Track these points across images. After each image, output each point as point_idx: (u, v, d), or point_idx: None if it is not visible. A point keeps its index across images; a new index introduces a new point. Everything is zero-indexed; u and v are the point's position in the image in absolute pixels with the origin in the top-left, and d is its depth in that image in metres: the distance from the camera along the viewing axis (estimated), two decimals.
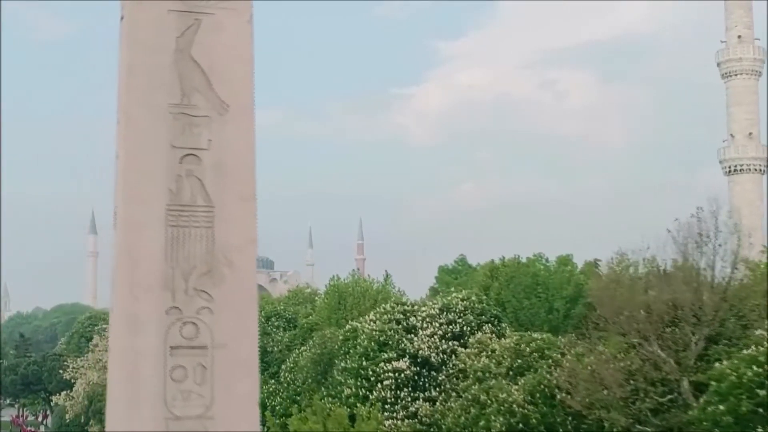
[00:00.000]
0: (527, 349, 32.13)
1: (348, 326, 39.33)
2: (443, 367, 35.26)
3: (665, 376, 25.67)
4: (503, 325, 38.04)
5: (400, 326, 36.69)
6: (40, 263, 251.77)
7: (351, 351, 36.93)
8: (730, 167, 75.39)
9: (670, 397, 25.63)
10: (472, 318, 36.66)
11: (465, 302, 37.23)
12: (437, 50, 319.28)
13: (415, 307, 38.08)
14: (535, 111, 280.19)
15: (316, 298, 78.06)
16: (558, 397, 29.59)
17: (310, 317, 54.38)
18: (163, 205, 6.83)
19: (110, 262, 7.26)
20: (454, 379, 34.48)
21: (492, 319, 37.68)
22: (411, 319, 36.96)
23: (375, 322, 36.92)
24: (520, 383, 30.43)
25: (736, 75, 75.13)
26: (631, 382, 26.16)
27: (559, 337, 34.36)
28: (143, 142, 6.94)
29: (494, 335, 35.19)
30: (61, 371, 61.65)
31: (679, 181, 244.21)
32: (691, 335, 26.06)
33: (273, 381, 48.79)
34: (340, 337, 38.90)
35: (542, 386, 30.06)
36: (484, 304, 38.34)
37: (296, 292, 76.97)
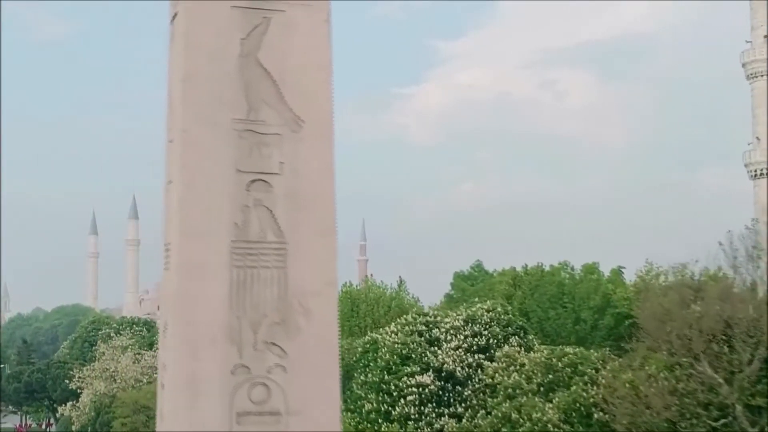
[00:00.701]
0: (559, 364, 30.98)
1: (367, 337, 38.22)
2: (469, 382, 34.09)
3: (722, 400, 24.39)
4: (530, 337, 36.87)
5: (423, 338, 35.57)
6: (40, 264, 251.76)
7: (371, 364, 35.78)
8: (756, 171, 74.02)
9: (724, 421, 24.40)
10: (498, 330, 35.49)
11: (490, 313, 36.10)
12: (437, 50, 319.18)
13: (438, 318, 36.94)
14: (535, 111, 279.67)
15: None
16: (595, 416, 28.45)
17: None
18: (227, 241, 5.76)
19: (163, 311, 6.18)
20: (481, 394, 33.33)
21: (518, 330, 36.54)
22: (434, 331, 35.83)
23: (397, 334, 35.78)
24: (554, 401, 29.28)
25: (761, 76, 73.65)
26: (676, 402, 24.92)
27: (592, 351, 33.21)
28: (203, 165, 5.85)
29: (522, 348, 34.06)
30: (67, 381, 60.63)
31: (679, 181, 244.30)
32: (744, 355, 24.83)
33: None
34: (359, 349, 37.78)
35: (578, 404, 28.91)
36: (510, 316, 37.20)
37: None
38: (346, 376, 38.57)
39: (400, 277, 63.93)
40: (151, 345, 77.40)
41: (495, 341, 35.13)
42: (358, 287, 62.70)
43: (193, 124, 5.89)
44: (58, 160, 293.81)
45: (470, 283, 58.89)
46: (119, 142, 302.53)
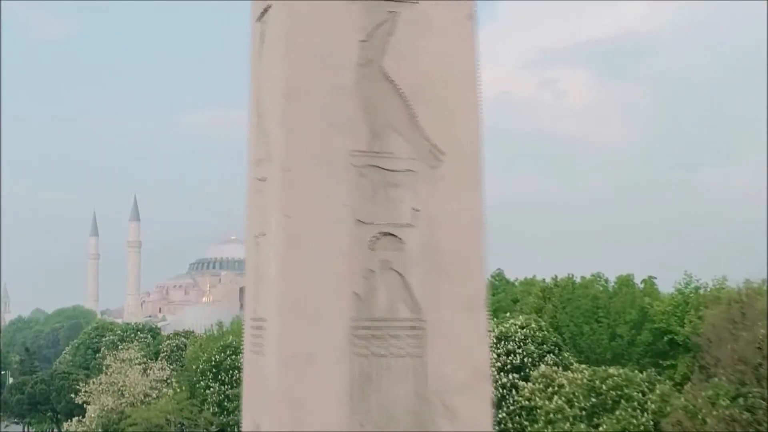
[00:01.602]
0: (603, 387, 29.35)
1: None
2: (503, 404, 32.49)
3: None
4: (565, 354, 35.25)
5: None
6: (40, 265, 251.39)
7: None
8: None
9: None
10: (533, 348, 33.89)
11: (524, 330, 34.48)
12: None
13: None
14: (536, 110, 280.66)
15: None
16: None
17: None
18: (344, 320, 4.30)
19: (252, 410, 4.65)
20: (517, 417, 31.77)
21: (553, 348, 34.93)
22: None
23: None
24: (600, 428, 27.68)
25: None
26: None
27: (637, 371, 31.56)
28: (311, 215, 4.35)
29: (559, 368, 32.43)
30: (72, 395, 59.25)
31: (679, 180, 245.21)
32: None
33: None
34: None
35: None
36: (545, 332, 35.56)
37: None
38: None
39: None
40: (156, 354, 76.04)
41: (530, 360, 33.53)
42: None
43: (299, 159, 4.39)
44: (58, 160, 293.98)
45: (491, 293, 57.13)
46: (119, 143, 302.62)
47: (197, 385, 54.98)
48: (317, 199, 4.37)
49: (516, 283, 58.12)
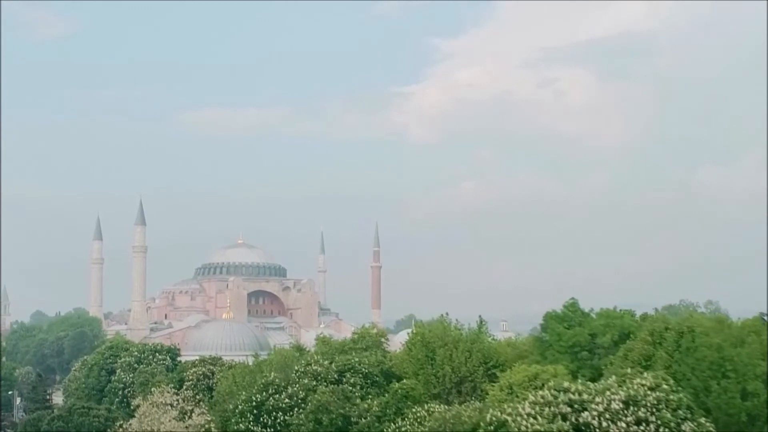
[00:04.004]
0: None
1: (489, 416, 31.62)
2: None
3: None
4: (702, 420, 30.19)
5: (569, 423, 29.05)
6: (40, 266, 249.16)
7: None
8: None
9: None
10: (668, 416, 28.88)
11: (656, 393, 29.50)
12: (436, 48, 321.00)
13: (584, 396, 30.29)
14: (536, 109, 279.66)
15: (383, 340, 70.99)
16: None
17: (404, 382, 46.85)
18: None
19: None
20: None
21: (687, 413, 29.91)
22: (584, 414, 29.28)
23: (536, 418, 29.23)
24: None
25: None
26: None
27: None
28: None
29: None
30: None
31: (678, 178, 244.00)
32: None
33: None
34: (480, 431, 31.28)
35: None
36: (680, 395, 30.51)
37: (362, 334, 69.55)
38: None
39: (480, 317, 57.61)
40: (180, 382, 71.21)
41: (667, 430, 28.54)
42: (432, 327, 56.36)
43: None
44: (58, 160, 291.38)
45: (566, 326, 52.35)
46: (120, 143, 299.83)
47: (234, 428, 50.28)
48: None
49: (592, 314, 53.20)
